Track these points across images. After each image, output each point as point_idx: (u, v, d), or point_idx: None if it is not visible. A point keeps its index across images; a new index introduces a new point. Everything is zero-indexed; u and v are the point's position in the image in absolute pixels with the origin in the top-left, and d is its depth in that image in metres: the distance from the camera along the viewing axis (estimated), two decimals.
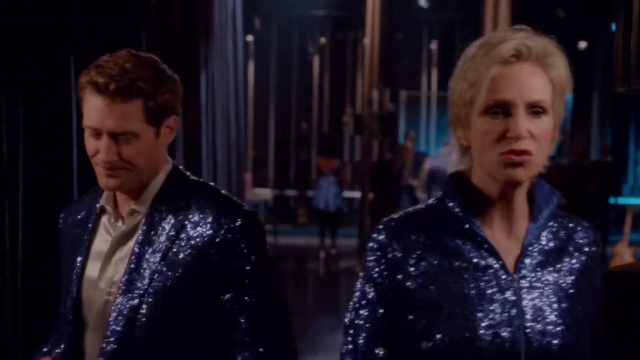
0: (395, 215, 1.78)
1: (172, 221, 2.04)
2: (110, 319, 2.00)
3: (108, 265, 2.08)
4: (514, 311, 1.65)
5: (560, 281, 1.71)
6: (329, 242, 13.43)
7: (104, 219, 2.14)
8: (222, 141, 8.29)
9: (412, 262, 1.70)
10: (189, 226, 2.02)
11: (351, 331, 1.78)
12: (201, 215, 2.03)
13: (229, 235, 2.02)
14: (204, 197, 2.07)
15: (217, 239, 2.01)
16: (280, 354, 2.14)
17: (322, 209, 13.33)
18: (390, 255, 1.71)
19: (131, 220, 2.09)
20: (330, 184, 13.31)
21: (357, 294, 1.79)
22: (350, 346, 1.77)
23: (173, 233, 2.02)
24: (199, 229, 2.02)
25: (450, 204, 1.73)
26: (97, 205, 2.15)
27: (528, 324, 1.65)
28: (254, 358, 2.06)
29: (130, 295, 1.99)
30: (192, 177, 2.14)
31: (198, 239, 2.01)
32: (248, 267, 2.04)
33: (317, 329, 8.77)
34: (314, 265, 13.12)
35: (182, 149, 6.79)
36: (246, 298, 2.04)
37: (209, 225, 2.02)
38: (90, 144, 2.01)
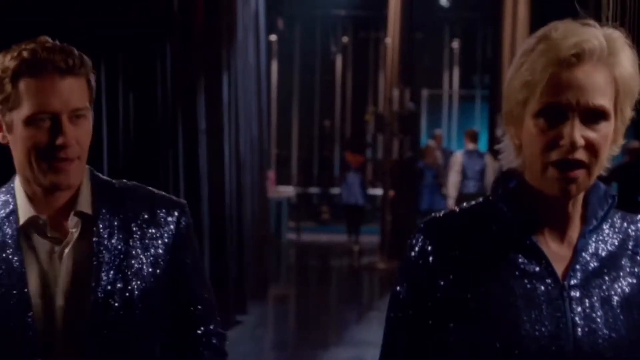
0: (438, 214, 1.64)
1: (120, 223, 1.88)
2: (86, 331, 1.81)
3: (57, 281, 1.83)
4: (562, 321, 1.52)
5: (616, 289, 1.56)
6: (354, 238, 13.61)
7: (31, 232, 1.85)
8: (245, 140, 8.42)
9: (454, 265, 1.56)
10: (139, 226, 1.89)
11: (389, 338, 1.66)
12: (146, 215, 1.91)
13: (182, 230, 1.93)
14: (137, 194, 1.94)
15: (171, 234, 1.91)
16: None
17: (351, 203, 13.56)
18: (431, 258, 1.58)
19: (76, 225, 1.86)
20: (356, 179, 13.57)
21: (396, 296, 1.64)
22: (389, 352, 1.66)
23: (126, 235, 1.87)
24: (150, 228, 1.90)
25: (499, 205, 1.60)
26: (20, 217, 1.85)
27: (578, 335, 1.51)
28: (216, 327, 2.00)
29: (109, 305, 1.82)
30: (103, 176, 1.97)
31: (152, 238, 1.89)
32: (195, 255, 1.99)
33: (342, 324, 8.92)
34: (338, 262, 13.25)
35: (205, 148, 6.94)
36: (195, 280, 1.97)
37: (159, 222, 1.91)
38: (33, 133, 1.77)
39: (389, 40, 12.54)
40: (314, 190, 18.76)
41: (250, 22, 8.94)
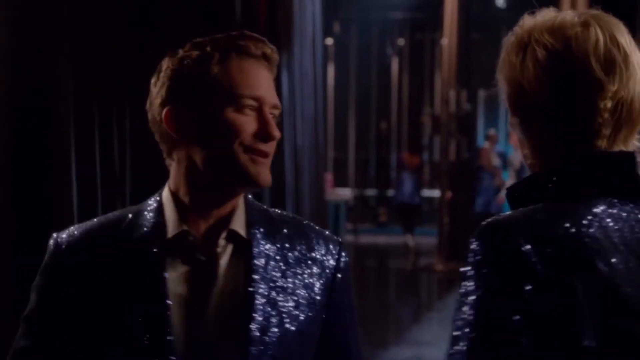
0: (532, 213, 1.33)
1: (277, 252, 1.65)
2: None
3: (203, 307, 1.58)
4: None
5: None
6: (410, 238, 13.65)
7: (178, 248, 1.60)
8: (303, 144, 8.49)
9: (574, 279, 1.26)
10: (297, 259, 1.66)
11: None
12: (304, 248, 1.68)
13: (342, 265, 1.71)
14: (294, 225, 1.72)
15: (331, 274, 1.69)
16: None
17: (405, 202, 13.63)
18: (539, 267, 1.26)
19: (224, 248, 1.62)
20: (411, 180, 13.63)
21: (489, 317, 1.28)
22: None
23: (284, 267, 1.64)
24: (309, 262, 1.67)
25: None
26: (168, 231, 1.60)
27: None
28: None
29: (263, 343, 1.57)
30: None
31: (312, 275, 1.67)
32: (352, 301, 1.76)
33: (400, 324, 8.96)
34: (396, 263, 13.28)
35: None
36: (351, 331, 1.74)
37: (318, 258, 1.69)
38: (243, 120, 1.60)
39: (445, 41, 12.54)
40: (371, 192, 18.80)
41: (307, 26, 9.03)
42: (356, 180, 18.82)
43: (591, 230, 1.30)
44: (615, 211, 1.33)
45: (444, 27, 12.50)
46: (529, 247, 1.26)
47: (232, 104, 1.58)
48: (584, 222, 1.30)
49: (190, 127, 1.59)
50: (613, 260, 1.28)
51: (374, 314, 9.60)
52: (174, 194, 1.63)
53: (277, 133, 1.58)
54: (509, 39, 1.47)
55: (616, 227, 1.31)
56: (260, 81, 1.60)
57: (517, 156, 12.57)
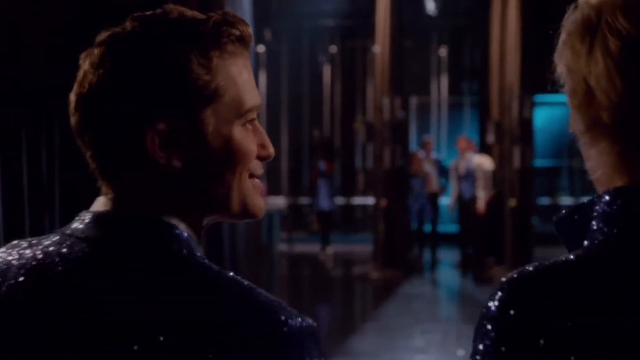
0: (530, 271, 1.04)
1: None
2: None
3: None
4: None
5: None
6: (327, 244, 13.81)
7: None
8: None
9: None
10: None
11: None
12: None
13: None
14: None
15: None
16: None
17: (326, 210, 13.83)
18: (542, 342, 0.98)
19: None
20: (329, 186, 13.87)
21: None
22: None
23: None
24: None
25: None
26: None
27: None
28: None
29: None
30: None
31: None
32: None
33: (336, 335, 8.85)
34: (331, 272, 13.20)
35: None
36: None
37: None
38: (250, 139, 1.23)
39: (377, 48, 12.53)
40: (304, 200, 18.72)
41: None
42: (289, 188, 18.73)
43: None
44: None
45: (376, 34, 12.48)
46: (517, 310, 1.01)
47: (238, 117, 1.20)
48: None
49: (184, 151, 1.18)
50: None
51: None
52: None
53: (270, 152, 1.25)
54: (572, 16, 1.11)
55: None
56: (253, 80, 1.24)
57: (463, 163, 12.67)
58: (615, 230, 1.02)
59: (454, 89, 19.27)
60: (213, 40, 1.17)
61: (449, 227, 15.18)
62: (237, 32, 1.19)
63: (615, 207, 1.03)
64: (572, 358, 0.97)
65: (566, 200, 19.09)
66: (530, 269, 1.03)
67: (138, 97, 1.15)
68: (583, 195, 18.75)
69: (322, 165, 14.69)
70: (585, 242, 1.05)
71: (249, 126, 1.21)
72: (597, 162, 1.08)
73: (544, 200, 18.39)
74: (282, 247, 14.83)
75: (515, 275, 1.03)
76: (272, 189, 17.08)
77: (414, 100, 18.44)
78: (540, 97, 14.90)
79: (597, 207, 1.06)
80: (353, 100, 19.03)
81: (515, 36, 11.83)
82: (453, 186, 12.94)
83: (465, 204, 12.62)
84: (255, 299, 1.10)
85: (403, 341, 8.00)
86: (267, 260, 12.72)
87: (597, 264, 1.02)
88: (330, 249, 13.92)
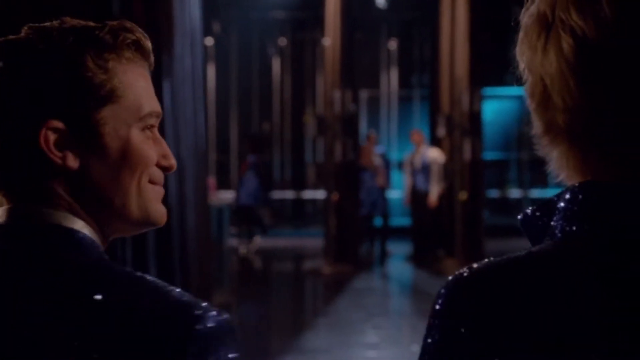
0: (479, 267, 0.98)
1: None
2: None
3: None
4: None
5: None
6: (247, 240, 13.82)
7: None
8: (186, 148, 8.23)
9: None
10: None
11: None
12: None
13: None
14: None
15: None
16: None
17: (247, 205, 13.87)
18: (482, 343, 0.93)
19: None
20: (257, 180, 13.87)
21: None
22: None
23: None
24: None
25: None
26: None
27: None
28: None
29: None
30: None
31: None
32: None
33: (287, 331, 8.76)
34: (282, 267, 13.11)
35: None
36: None
37: None
38: (149, 144, 1.20)
39: (327, 40, 12.44)
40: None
41: (186, 27, 8.76)
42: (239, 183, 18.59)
43: None
44: None
45: (326, 27, 12.39)
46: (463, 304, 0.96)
47: (136, 122, 1.16)
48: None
49: (80, 151, 1.14)
50: None
51: (259, 321, 9.38)
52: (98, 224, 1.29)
53: (172, 163, 1.23)
54: (529, 9, 1.00)
55: None
56: (152, 91, 1.21)
57: (418, 156, 12.66)
58: (574, 228, 0.95)
59: (404, 82, 19.28)
60: (109, 43, 1.16)
61: (399, 220, 15.19)
62: (134, 37, 1.18)
63: (576, 203, 0.96)
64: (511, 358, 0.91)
65: (515, 193, 19.23)
66: (479, 265, 0.97)
67: (32, 94, 1.12)
68: (532, 188, 18.91)
69: (251, 158, 14.64)
70: (545, 240, 0.99)
71: (148, 133, 1.18)
72: (558, 164, 1.01)
73: (493, 193, 18.49)
74: (233, 242, 14.70)
75: (463, 272, 0.97)
76: (222, 184, 16.93)
77: (364, 94, 18.39)
78: (488, 90, 14.97)
79: (558, 204, 0.99)
80: (303, 94, 18.95)
81: (465, 29, 11.83)
82: (407, 180, 12.93)
83: (419, 197, 12.61)
84: (168, 298, 1.06)
85: (355, 337, 7.93)
86: (217, 256, 12.60)
87: (550, 262, 0.94)
88: (255, 245, 13.83)
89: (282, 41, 18.91)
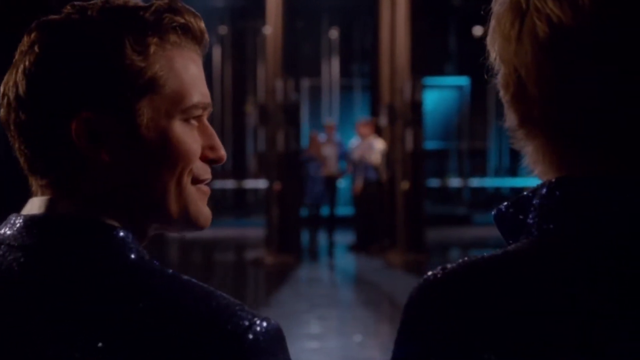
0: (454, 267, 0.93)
1: None
2: None
3: None
4: None
5: None
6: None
7: None
8: None
9: None
10: None
11: None
12: None
13: None
14: None
15: None
16: None
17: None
18: (455, 343, 0.89)
19: None
20: None
21: None
22: None
23: None
24: None
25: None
26: None
27: None
28: None
29: None
30: None
31: None
32: None
33: None
34: (224, 257, 13.02)
35: None
36: None
37: None
38: (193, 136, 1.09)
39: (268, 29, 12.35)
40: None
41: None
42: None
43: None
44: None
45: (267, 15, 12.29)
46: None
47: (180, 113, 1.06)
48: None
49: (115, 144, 1.05)
50: None
51: None
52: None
53: (222, 154, 1.11)
54: None
55: None
56: (203, 79, 1.10)
57: (358, 148, 12.65)
58: (551, 225, 0.91)
59: (345, 71, 19.28)
60: (152, 26, 1.04)
61: (341, 209, 15.19)
62: (182, 21, 1.06)
63: (552, 199, 0.92)
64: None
65: (455, 182, 19.39)
66: (454, 266, 0.92)
67: (66, 83, 1.02)
68: (471, 177, 19.09)
69: None
70: (521, 238, 0.94)
71: (194, 123, 1.07)
72: (534, 159, 0.97)
73: (434, 183, 18.62)
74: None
75: (437, 274, 0.92)
76: None
77: (305, 83, 18.34)
78: (428, 80, 15.03)
79: (533, 201, 0.94)
80: (244, 83, 18.83)
81: (405, 18, 11.84)
82: (358, 169, 12.91)
83: (367, 187, 12.62)
84: (215, 305, 0.99)
85: (299, 328, 7.89)
86: (158, 247, 12.45)
87: (529, 261, 0.90)
88: None
89: (223, 29, 18.75)
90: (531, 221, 0.94)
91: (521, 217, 0.96)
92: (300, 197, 12.60)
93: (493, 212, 1.00)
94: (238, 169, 18.48)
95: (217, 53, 18.77)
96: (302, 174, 12.75)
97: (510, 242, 0.97)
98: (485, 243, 14.37)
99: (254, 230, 14.42)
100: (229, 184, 18.41)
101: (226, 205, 17.91)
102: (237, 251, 13.52)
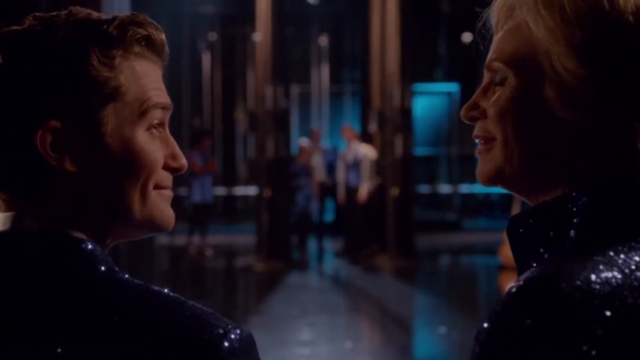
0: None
1: None
2: None
3: None
4: None
5: None
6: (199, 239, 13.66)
7: None
8: None
9: None
10: None
11: None
12: None
13: None
14: None
15: None
16: None
17: (200, 203, 13.69)
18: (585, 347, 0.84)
19: None
20: (208, 178, 13.72)
21: None
22: None
23: None
24: None
25: None
26: None
27: None
28: None
29: None
30: None
31: None
32: None
33: None
34: (214, 264, 12.99)
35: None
36: None
37: None
38: (155, 145, 1.11)
39: (258, 36, 12.35)
40: (185, 191, 18.41)
41: None
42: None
43: None
44: None
45: (257, 22, 12.29)
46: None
47: (141, 116, 1.08)
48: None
49: (80, 153, 1.06)
50: None
51: None
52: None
53: (183, 163, 1.13)
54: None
55: None
56: (163, 87, 1.13)
57: (350, 152, 12.64)
58: (589, 231, 0.90)
59: (335, 78, 19.29)
60: (117, 38, 1.07)
61: (329, 216, 15.19)
62: (145, 33, 1.09)
63: (584, 207, 0.90)
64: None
65: (445, 188, 19.40)
66: (534, 276, 0.86)
67: (31, 94, 1.04)
68: (461, 183, 19.10)
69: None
70: (556, 247, 0.92)
71: (155, 132, 1.09)
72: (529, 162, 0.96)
73: (424, 189, 18.63)
74: (163, 239, 14.52)
75: (524, 285, 0.85)
76: None
77: (295, 89, 18.35)
78: (418, 86, 15.05)
79: (562, 209, 0.91)
80: (234, 89, 18.81)
81: (395, 25, 11.86)
82: (341, 176, 12.91)
83: (352, 194, 12.61)
84: (188, 315, 1.00)
85: (289, 334, 7.87)
86: (147, 254, 12.41)
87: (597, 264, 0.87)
88: (202, 242, 13.74)
89: (213, 36, 18.75)
90: (564, 230, 0.91)
91: (547, 226, 0.94)
92: (289, 204, 12.59)
93: (508, 220, 0.98)
94: (228, 176, 18.45)
95: (206, 60, 18.76)
96: (292, 185, 12.74)
97: (520, 251, 0.95)
98: (474, 249, 14.38)
99: (244, 237, 14.40)
100: (219, 190, 18.39)
101: (216, 211, 17.88)
102: (227, 258, 13.50)
